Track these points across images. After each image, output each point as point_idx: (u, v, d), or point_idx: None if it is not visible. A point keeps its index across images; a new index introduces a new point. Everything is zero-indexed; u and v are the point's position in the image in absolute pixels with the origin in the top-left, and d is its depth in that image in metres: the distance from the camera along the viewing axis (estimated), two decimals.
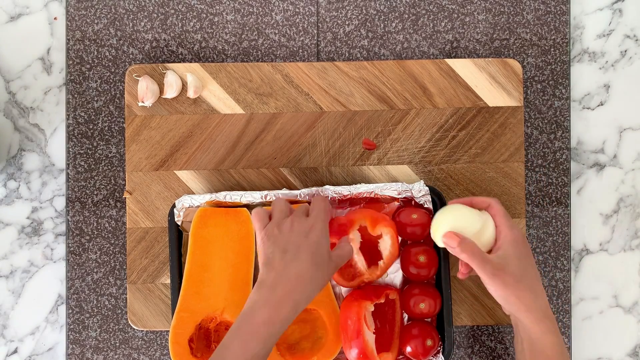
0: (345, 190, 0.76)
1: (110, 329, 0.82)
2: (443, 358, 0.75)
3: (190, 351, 0.73)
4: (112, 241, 0.82)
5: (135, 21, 0.83)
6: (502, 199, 0.81)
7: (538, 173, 0.83)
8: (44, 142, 0.84)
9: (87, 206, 0.82)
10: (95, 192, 0.83)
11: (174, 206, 0.77)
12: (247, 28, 0.84)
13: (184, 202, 0.77)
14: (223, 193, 0.76)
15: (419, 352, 0.74)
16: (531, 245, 0.83)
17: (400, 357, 0.76)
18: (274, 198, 0.76)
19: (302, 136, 0.81)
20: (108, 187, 0.83)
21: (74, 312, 0.82)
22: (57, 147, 0.84)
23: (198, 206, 0.77)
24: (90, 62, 0.83)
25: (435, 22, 0.84)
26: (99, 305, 0.82)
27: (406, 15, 0.84)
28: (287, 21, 0.84)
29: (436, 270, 0.76)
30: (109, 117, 0.83)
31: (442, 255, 0.76)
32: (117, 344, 0.82)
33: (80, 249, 0.82)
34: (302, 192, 0.76)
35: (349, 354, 0.73)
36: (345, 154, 0.81)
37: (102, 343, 0.82)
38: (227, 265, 0.76)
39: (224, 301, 0.75)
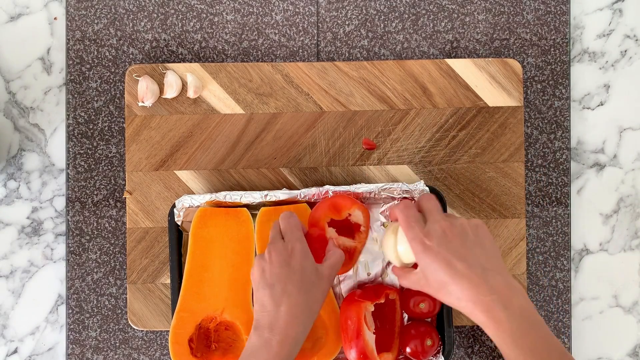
0: (345, 190, 0.76)
1: (110, 329, 0.82)
2: (443, 358, 0.75)
3: (190, 351, 0.73)
4: (112, 241, 0.82)
5: (135, 21, 0.83)
6: (502, 199, 0.81)
7: (538, 173, 0.83)
8: (44, 142, 0.84)
9: (87, 206, 0.82)
10: (95, 192, 0.83)
11: (174, 206, 0.77)
12: (247, 28, 0.84)
13: (184, 202, 0.77)
14: (223, 193, 0.76)
15: (419, 352, 0.74)
16: (531, 245, 0.83)
17: (401, 357, 0.76)
18: (274, 198, 0.76)
19: (302, 136, 0.81)
20: (108, 187, 0.83)
21: (74, 312, 0.82)
22: (57, 147, 0.84)
23: (198, 206, 0.77)
24: (90, 62, 0.83)
25: (435, 22, 0.84)
26: (99, 305, 0.82)
27: (406, 15, 0.84)
28: (287, 21, 0.84)
29: None
30: (109, 117, 0.83)
31: None
32: (117, 344, 0.82)
33: (80, 249, 0.82)
34: (302, 192, 0.76)
35: (349, 354, 0.73)
36: (345, 154, 0.81)
37: (102, 343, 0.82)
38: (227, 265, 0.76)
39: (224, 301, 0.75)
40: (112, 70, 0.83)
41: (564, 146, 0.83)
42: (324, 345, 0.75)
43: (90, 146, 0.83)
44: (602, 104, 0.84)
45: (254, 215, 0.77)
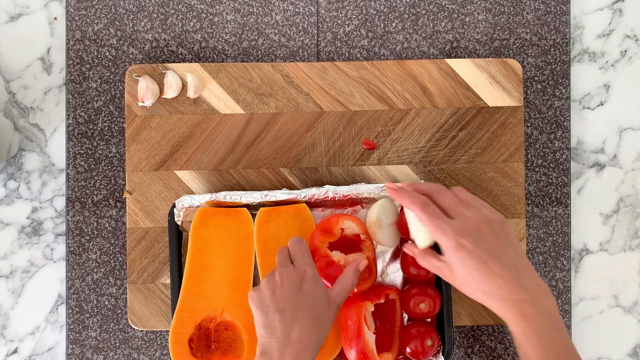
0: (345, 190, 0.76)
1: (110, 329, 0.82)
2: (443, 358, 0.75)
3: (190, 351, 0.73)
4: (112, 241, 0.82)
5: (135, 21, 0.83)
6: (502, 199, 0.81)
7: (538, 173, 0.83)
8: (44, 142, 0.84)
9: (87, 206, 0.82)
10: (95, 192, 0.83)
11: (174, 206, 0.77)
12: (247, 28, 0.84)
13: (184, 202, 0.77)
14: (223, 193, 0.76)
15: (419, 352, 0.74)
16: (531, 245, 0.83)
17: (401, 357, 0.76)
18: (274, 198, 0.76)
19: (302, 136, 0.81)
20: (108, 187, 0.83)
21: (74, 312, 0.82)
22: (57, 147, 0.84)
23: (198, 206, 0.77)
24: (90, 62, 0.83)
25: (435, 22, 0.84)
26: (99, 305, 0.82)
27: (406, 15, 0.84)
28: (287, 21, 0.84)
29: None
30: (109, 117, 0.83)
31: None
32: (117, 344, 0.82)
33: (80, 249, 0.82)
34: (302, 192, 0.76)
35: (349, 354, 0.73)
36: (345, 154, 0.81)
37: (102, 343, 0.82)
38: (227, 265, 0.76)
39: (224, 301, 0.75)
40: (112, 70, 0.83)
41: (564, 146, 0.83)
42: (324, 345, 0.75)
43: (90, 146, 0.83)
44: (602, 104, 0.84)
45: (253, 215, 0.77)
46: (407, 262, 0.76)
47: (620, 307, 0.83)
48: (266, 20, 0.84)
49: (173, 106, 0.81)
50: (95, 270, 0.82)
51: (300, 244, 0.68)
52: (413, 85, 0.81)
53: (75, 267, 0.82)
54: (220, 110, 0.81)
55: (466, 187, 0.81)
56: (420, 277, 0.76)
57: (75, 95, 0.83)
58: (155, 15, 0.83)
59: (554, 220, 0.83)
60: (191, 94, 0.80)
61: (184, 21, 0.83)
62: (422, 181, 0.76)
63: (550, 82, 0.83)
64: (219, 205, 0.78)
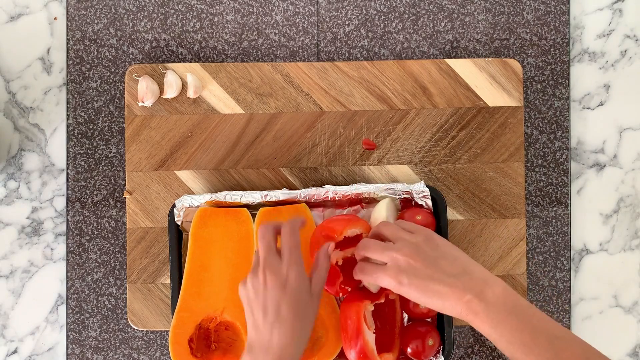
0: (345, 190, 0.76)
1: (110, 329, 0.82)
2: (443, 358, 0.75)
3: (190, 351, 0.73)
4: (112, 241, 0.82)
5: (135, 21, 0.83)
6: (502, 199, 0.81)
7: (538, 173, 0.83)
8: (44, 142, 0.84)
9: (87, 206, 0.82)
10: (95, 192, 0.83)
11: (174, 206, 0.77)
12: (247, 28, 0.84)
13: (184, 202, 0.77)
14: (223, 193, 0.76)
15: (419, 352, 0.74)
16: (531, 245, 0.83)
17: (401, 357, 0.76)
18: (274, 198, 0.76)
19: (302, 136, 0.81)
20: (108, 187, 0.83)
21: (74, 312, 0.82)
22: (57, 147, 0.84)
23: (198, 206, 0.77)
24: (90, 62, 0.83)
25: (435, 22, 0.84)
26: (99, 305, 0.82)
27: (406, 15, 0.84)
28: (287, 21, 0.84)
29: None
30: (109, 117, 0.83)
31: None
32: (117, 344, 0.82)
33: (80, 249, 0.82)
34: (302, 192, 0.76)
35: (349, 354, 0.73)
36: (345, 154, 0.81)
37: (102, 343, 0.82)
38: (227, 265, 0.76)
39: (224, 301, 0.75)
40: (112, 70, 0.83)
41: (564, 146, 0.83)
42: (324, 345, 0.75)
43: (90, 146, 0.83)
44: (602, 104, 0.84)
45: (253, 215, 0.77)
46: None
47: (620, 307, 0.83)
48: (266, 20, 0.84)
49: (173, 106, 0.81)
50: (95, 270, 0.82)
51: (292, 236, 0.67)
52: (413, 85, 0.81)
53: (75, 267, 0.82)
54: (220, 110, 0.81)
55: (466, 187, 0.81)
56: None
57: (75, 95, 0.83)
58: (155, 15, 0.83)
59: (554, 220, 0.83)
60: (191, 94, 0.80)
61: (184, 21, 0.83)
62: (422, 182, 0.76)
63: (550, 82, 0.83)
64: (219, 205, 0.78)
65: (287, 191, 0.76)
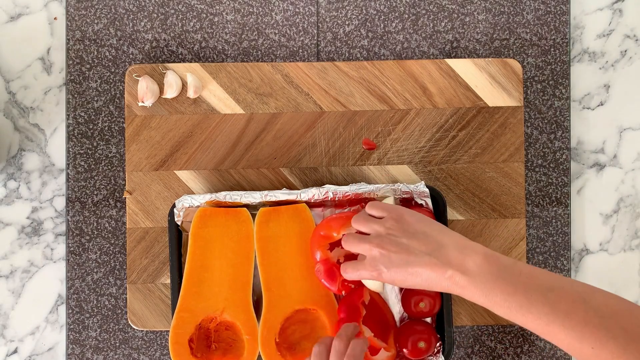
0: (345, 190, 0.76)
1: (110, 329, 0.82)
2: (443, 358, 0.75)
3: (190, 351, 0.73)
4: (112, 241, 0.82)
5: (135, 21, 0.83)
6: (502, 199, 0.81)
7: (538, 173, 0.83)
8: (44, 142, 0.84)
9: (87, 206, 0.82)
10: (95, 192, 0.83)
11: (174, 206, 0.77)
12: (247, 28, 0.84)
13: (184, 202, 0.77)
14: (223, 193, 0.76)
15: (417, 352, 0.74)
16: (531, 245, 0.83)
17: (400, 356, 0.76)
18: (274, 198, 0.76)
19: (302, 136, 0.81)
20: (108, 187, 0.83)
21: (74, 312, 0.82)
22: (57, 147, 0.84)
23: (198, 206, 0.77)
24: (90, 62, 0.83)
25: (435, 22, 0.84)
26: (99, 305, 0.82)
27: (406, 15, 0.84)
28: (287, 21, 0.84)
29: None
30: (109, 117, 0.83)
31: None
32: (117, 344, 0.82)
33: (80, 249, 0.82)
34: (302, 192, 0.76)
35: None
36: (345, 154, 0.81)
37: (102, 343, 0.82)
38: (227, 265, 0.76)
39: (224, 301, 0.75)
40: (112, 70, 0.83)
41: (564, 146, 0.83)
42: None
43: (90, 146, 0.83)
44: (602, 104, 0.84)
45: (253, 215, 0.77)
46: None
47: None
48: (266, 20, 0.84)
49: (173, 106, 0.81)
50: (95, 270, 0.82)
51: (362, 346, 0.64)
52: (413, 85, 0.81)
53: (75, 267, 0.82)
54: (220, 110, 0.81)
55: (466, 187, 0.81)
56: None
57: (75, 95, 0.83)
58: (155, 15, 0.83)
59: (554, 220, 0.83)
60: (191, 94, 0.80)
61: (184, 21, 0.83)
62: (422, 182, 0.76)
63: (550, 82, 0.83)
64: (219, 205, 0.78)
65: (287, 191, 0.76)
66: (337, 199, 0.77)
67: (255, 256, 0.77)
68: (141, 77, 0.80)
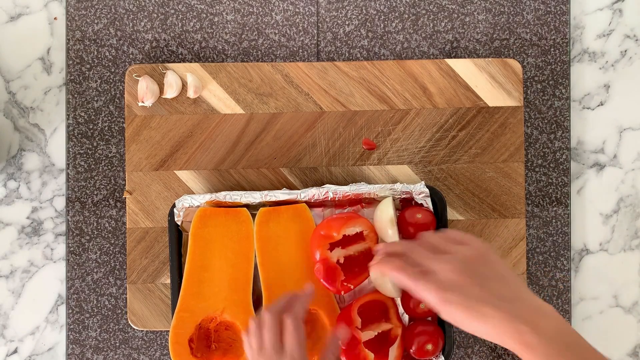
0: (345, 190, 0.76)
1: (110, 329, 0.82)
2: (443, 358, 0.75)
3: (190, 351, 0.73)
4: (112, 241, 0.82)
5: (135, 21, 0.83)
6: (502, 199, 0.81)
7: (538, 173, 0.83)
8: (44, 142, 0.84)
9: (87, 206, 0.82)
10: (95, 192, 0.83)
11: (174, 206, 0.77)
12: (247, 28, 0.84)
13: (184, 202, 0.77)
14: (223, 193, 0.76)
15: (424, 353, 0.74)
16: (531, 245, 0.83)
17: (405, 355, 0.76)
18: (274, 198, 0.76)
19: (302, 136, 0.81)
20: (108, 187, 0.83)
21: (74, 312, 0.82)
22: (57, 147, 0.84)
23: (198, 206, 0.77)
24: (90, 62, 0.83)
25: (435, 22, 0.84)
26: (99, 305, 0.82)
27: (406, 15, 0.84)
28: (287, 21, 0.84)
29: None
30: (109, 117, 0.83)
31: None
32: (117, 344, 0.82)
33: (80, 249, 0.82)
34: (302, 192, 0.76)
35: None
36: (345, 154, 0.81)
37: (102, 343, 0.82)
38: (227, 265, 0.76)
39: (224, 301, 0.75)
40: (112, 70, 0.83)
41: (564, 146, 0.83)
42: (324, 345, 0.75)
43: (90, 146, 0.83)
44: (602, 104, 0.84)
45: (253, 215, 0.77)
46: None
47: (620, 307, 0.83)
48: (266, 20, 0.84)
49: (173, 106, 0.81)
50: (95, 270, 0.82)
51: (296, 331, 0.64)
52: (413, 85, 0.81)
53: (75, 267, 0.82)
54: (220, 110, 0.81)
55: (466, 187, 0.81)
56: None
57: (75, 95, 0.83)
58: (155, 15, 0.83)
59: (554, 220, 0.83)
60: (191, 94, 0.80)
61: (184, 21, 0.83)
62: (422, 182, 0.76)
63: (550, 82, 0.83)
64: (219, 205, 0.78)
65: (287, 191, 0.76)
66: (337, 199, 0.77)
67: (255, 256, 0.77)
68: (141, 77, 0.80)
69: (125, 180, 0.82)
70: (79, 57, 0.83)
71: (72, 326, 0.82)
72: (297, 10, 0.84)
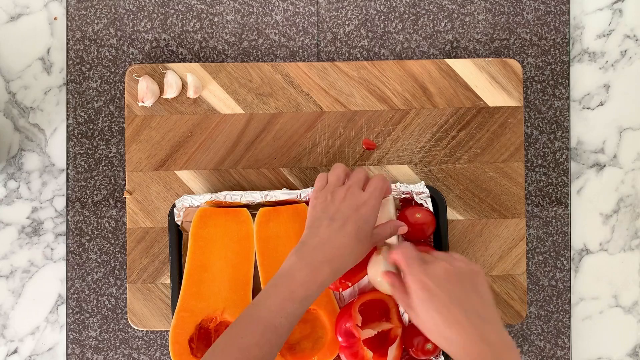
0: None
1: (110, 329, 0.82)
2: (443, 358, 0.75)
3: (190, 351, 0.73)
4: (112, 241, 0.83)
5: (135, 21, 0.83)
6: (502, 199, 0.81)
7: (538, 173, 0.83)
8: (44, 142, 0.84)
9: (87, 206, 0.82)
10: (95, 192, 0.83)
11: (174, 206, 0.77)
12: (247, 28, 0.84)
13: (184, 202, 0.77)
14: (223, 193, 0.76)
15: (424, 353, 0.74)
16: (531, 245, 0.83)
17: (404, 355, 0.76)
18: (274, 198, 0.76)
19: (302, 136, 0.81)
20: (108, 187, 0.83)
21: (74, 312, 0.82)
22: (57, 147, 0.84)
23: (198, 206, 0.77)
24: (90, 62, 0.83)
25: (435, 22, 0.84)
26: (99, 305, 0.82)
27: (406, 15, 0.84)
28: (287, 21, 0.84)
29: None
30: (109, 117, 0.83)
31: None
32: (117, 344, 0.82)
33: (80, 249, 0.82)
34: (302, 192, 0.76)
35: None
36: (345, 154, 0.81)
37: (102, 343, 0.82)
38: (227, 265, 0.76)
39: (224, 301, 0.75)
40: (112, 70, 0.83)
41: (564, 146, 0.83)
42: (324, 345, 0.75)
43: (90, 146, 0.83)
44: (602, 104, 0.84)
45: (253, 215, 0.77)
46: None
47: (620, 307, 0.84)
48: (266, 20, 0.84)
49: (173, 106, 0.81)
50: (95, 270, 0.82)
51: (382, 182, 0.67)
52: (413, 85, 0.81)
53: (75, 267, 0.82)
54: (220, 110, 0.81)
55: (466, 187, 0.81)
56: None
57: (75, 95, 0.83)
58: (155, 15, 0.83)
59: (553, 220, 0.83)
60: (191, 94, 0.80)
61: (184, 21, 0.83)
62: (422, 182, 0.76)
63: (550, 82, 0.83)
64: (219, 205, 0.78)
65: (287, 191, 0.76)
66: None
67: (255, 256, 0.77)
68: (141, 77, 0.80)
69: (125, 180, 0.82)
70: (79, 57, 0.83)
71: (72, 326, 0.82)
72: (297, 10, 0.84)
